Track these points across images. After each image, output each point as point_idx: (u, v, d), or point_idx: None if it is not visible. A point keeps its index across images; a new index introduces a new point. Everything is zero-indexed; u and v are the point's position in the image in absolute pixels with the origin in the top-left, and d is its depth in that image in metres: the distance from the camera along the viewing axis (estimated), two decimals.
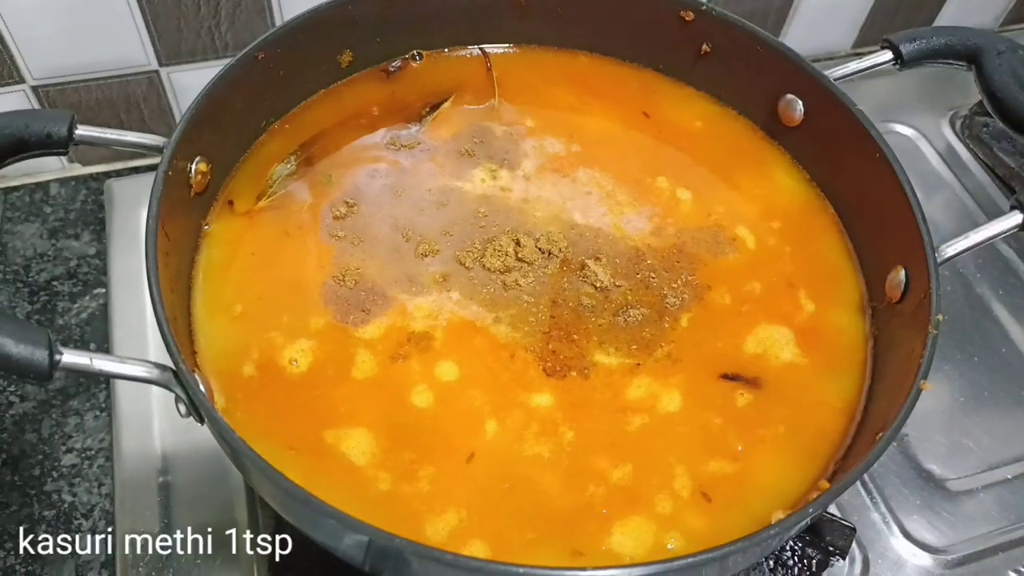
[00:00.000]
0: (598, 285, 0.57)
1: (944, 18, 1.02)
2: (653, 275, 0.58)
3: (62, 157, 0.81)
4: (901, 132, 0.88)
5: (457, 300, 0.56)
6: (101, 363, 0.43)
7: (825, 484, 0.47)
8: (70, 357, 0.42)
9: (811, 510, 0.41)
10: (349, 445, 0.49)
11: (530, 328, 0.55)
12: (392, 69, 0.67)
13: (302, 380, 0.52)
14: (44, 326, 0.71)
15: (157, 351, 0.66)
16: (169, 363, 0.44)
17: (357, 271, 0.56)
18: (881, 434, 0.44)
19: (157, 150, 0.51)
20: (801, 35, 0.97)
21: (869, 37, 1.00)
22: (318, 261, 0.57)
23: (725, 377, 0.54)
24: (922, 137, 0.88)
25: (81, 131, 0.50)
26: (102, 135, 0.51)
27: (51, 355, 0.41)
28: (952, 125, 0.89)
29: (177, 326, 0.49)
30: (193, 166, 0.54)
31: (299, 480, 0.41)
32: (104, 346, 0.70)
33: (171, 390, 0.44)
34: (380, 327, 0.54)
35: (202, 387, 0.46)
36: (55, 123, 0.49)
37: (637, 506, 0.49)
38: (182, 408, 0.45)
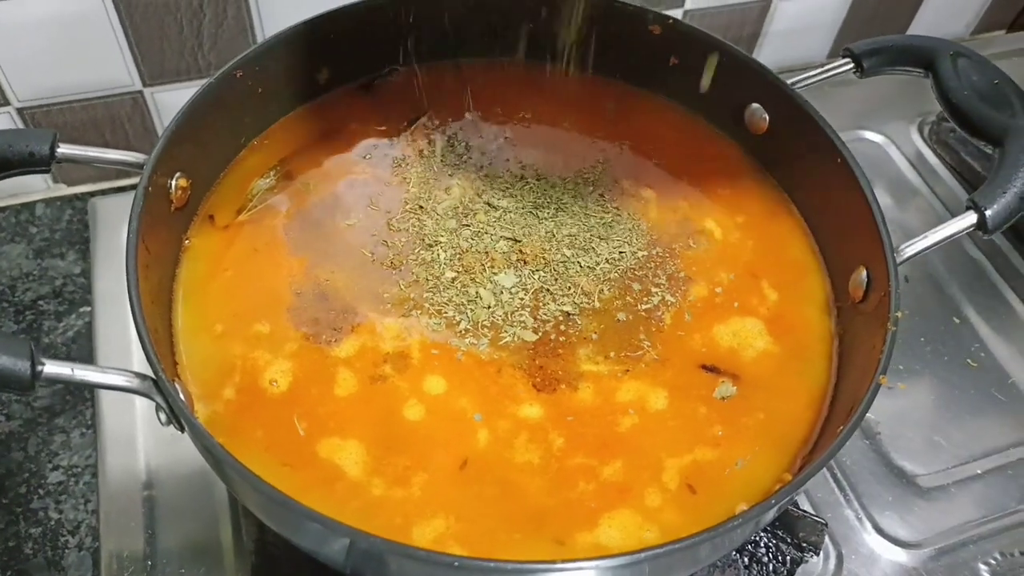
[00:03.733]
0: (581, 294, 0.58)
1: (916, 29, 1.03)
2: (633, 274, 0.60)
3: (47, 178, 0.83)
4: (871, 139, 0.90)
5: (427, 323, 0.56)
6: (82, 372, 0.44)
7: (788, 476, 0.48)
8: (52, 367, 0.43)
9: (773, 501, 0.42)
10: (342, 456, 0.50)
11: (516, 346, 0.55)
12: (369, 85, 0.68)
13: (284, 399, 0.52)
14: None
15: (141, 366, 0.66)
16: (150, 373, 0.45)
17: (327, 283, 0.57)
18: (842, 428, 0.45)
19: (138, 167, 0.52)
20: (776, 48, 0.99)
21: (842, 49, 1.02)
22: (290, 276, 0.58)
23: (705, 368, 0.55)
24: (891, 144, 0.90)
25: (63, 149, 0.51)
26: (84, 153, 0.52)
27: (33, 365, 0.42)
28: (920, 131, 0.91)
29: (158, 337, 0.50)
30: (173, 182, 0.55)
31: (289, 491, 0.41)
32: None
33: (151, 398, 0.45)
34: (353, 346, 0.55)
35: (182, 395, 0.46)
36: (37, 141, 0.50)
37: (626, 499, 0.50)
38: (162, 416, 0.46)
